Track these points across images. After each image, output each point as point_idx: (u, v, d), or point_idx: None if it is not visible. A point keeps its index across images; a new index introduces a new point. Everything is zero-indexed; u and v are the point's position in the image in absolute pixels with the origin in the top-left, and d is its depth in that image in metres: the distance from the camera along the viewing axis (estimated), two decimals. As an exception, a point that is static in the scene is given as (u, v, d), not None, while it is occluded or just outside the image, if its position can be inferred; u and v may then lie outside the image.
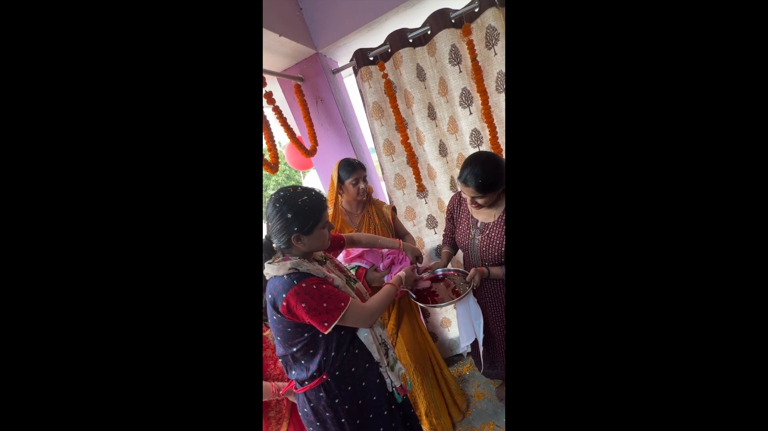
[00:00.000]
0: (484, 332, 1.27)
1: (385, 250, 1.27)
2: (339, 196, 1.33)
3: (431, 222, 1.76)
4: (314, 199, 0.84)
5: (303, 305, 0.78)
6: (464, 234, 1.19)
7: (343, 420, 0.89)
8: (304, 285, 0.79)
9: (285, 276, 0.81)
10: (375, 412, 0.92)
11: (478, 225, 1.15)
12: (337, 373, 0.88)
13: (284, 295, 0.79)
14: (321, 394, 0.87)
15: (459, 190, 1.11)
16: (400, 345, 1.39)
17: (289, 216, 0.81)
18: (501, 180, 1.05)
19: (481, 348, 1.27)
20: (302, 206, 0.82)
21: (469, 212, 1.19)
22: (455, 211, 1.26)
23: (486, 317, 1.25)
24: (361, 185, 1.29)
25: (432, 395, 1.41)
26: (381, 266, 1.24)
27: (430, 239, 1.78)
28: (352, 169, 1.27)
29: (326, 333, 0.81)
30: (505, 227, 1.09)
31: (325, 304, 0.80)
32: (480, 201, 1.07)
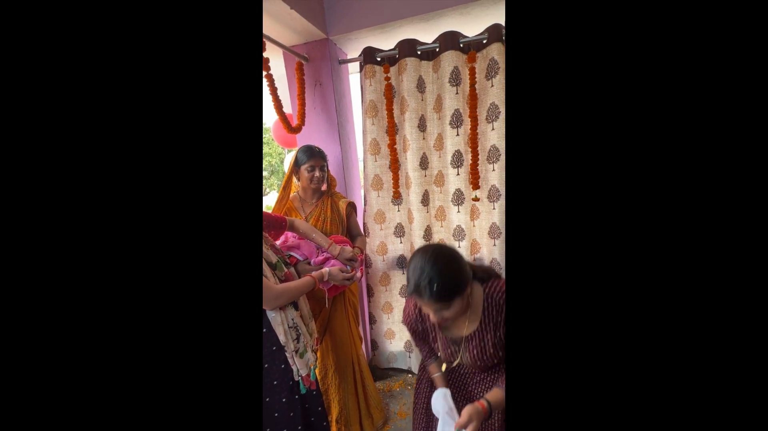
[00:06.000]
0: None
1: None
2: (294, 179, 1.33)
3: (399, 231, 1.76)
4: None
5: None
6: (447, 354, 0.92)
7: None
8: None
9: None
10: (273, 396, 0.91)
11: (457, 341, 0.87)
12: None
13: None
14: None
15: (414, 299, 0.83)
16: (326, 343, 1.35)
17: None
18: (465, 276, 0.77)
19: None
20: None
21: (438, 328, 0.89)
22: (418, 326, 0.92)
23: None
24: (317, 173, 1.27)
25: (346, 401, 1.36)
26: (313, 261, 1.19)
27: (394, 247, 1.77)
28: (310, 155, 1.27)
29: None
30: (493, 331, 0.82)
31: None
32: (446, 313, 0.77)
